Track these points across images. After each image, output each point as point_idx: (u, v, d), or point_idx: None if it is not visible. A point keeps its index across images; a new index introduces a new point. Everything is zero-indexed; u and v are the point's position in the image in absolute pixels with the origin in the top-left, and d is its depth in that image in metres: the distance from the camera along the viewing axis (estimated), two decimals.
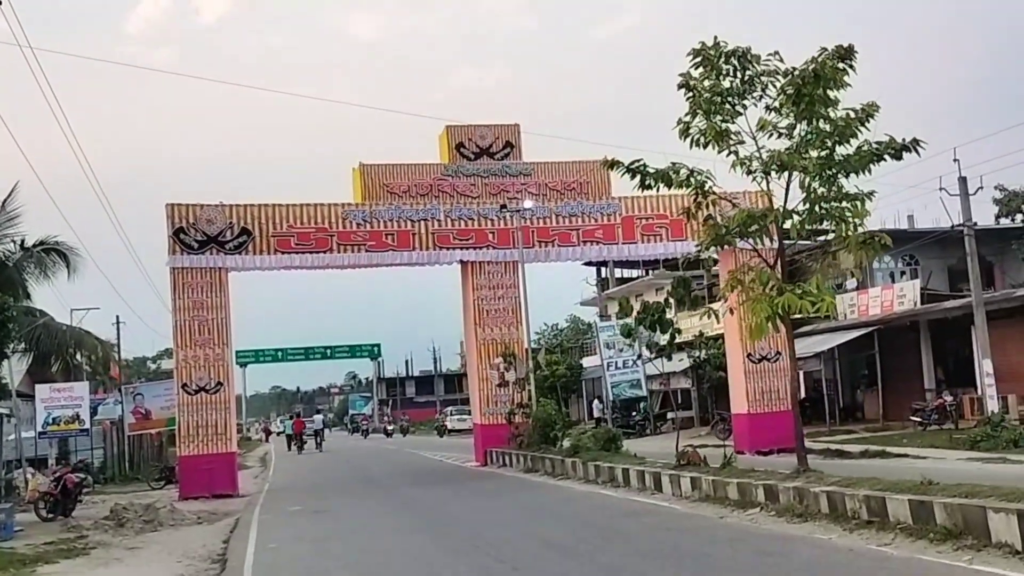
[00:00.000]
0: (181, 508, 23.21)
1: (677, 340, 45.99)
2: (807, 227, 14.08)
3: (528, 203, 30.71)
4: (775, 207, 14.00)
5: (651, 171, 14.59)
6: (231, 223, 28.98)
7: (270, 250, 29.25)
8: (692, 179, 14.42)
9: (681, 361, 47.47)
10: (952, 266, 41.55)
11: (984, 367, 29.59)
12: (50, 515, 23.30)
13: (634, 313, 19.12)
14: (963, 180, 28.66)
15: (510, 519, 16.84)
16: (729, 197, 14.39)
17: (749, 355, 30.73)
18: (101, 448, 41.61)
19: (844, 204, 13.81)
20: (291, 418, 69.48)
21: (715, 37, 14.48)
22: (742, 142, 14.38)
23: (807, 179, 14.02)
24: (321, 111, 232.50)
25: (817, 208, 14.00)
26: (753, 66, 14.48)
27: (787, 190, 14.16)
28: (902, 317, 36.81)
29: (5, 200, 36.20)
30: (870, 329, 37.80)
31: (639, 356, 39.61)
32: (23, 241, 37.03)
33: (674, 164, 14.60)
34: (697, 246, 14.67)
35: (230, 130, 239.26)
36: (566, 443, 27.18)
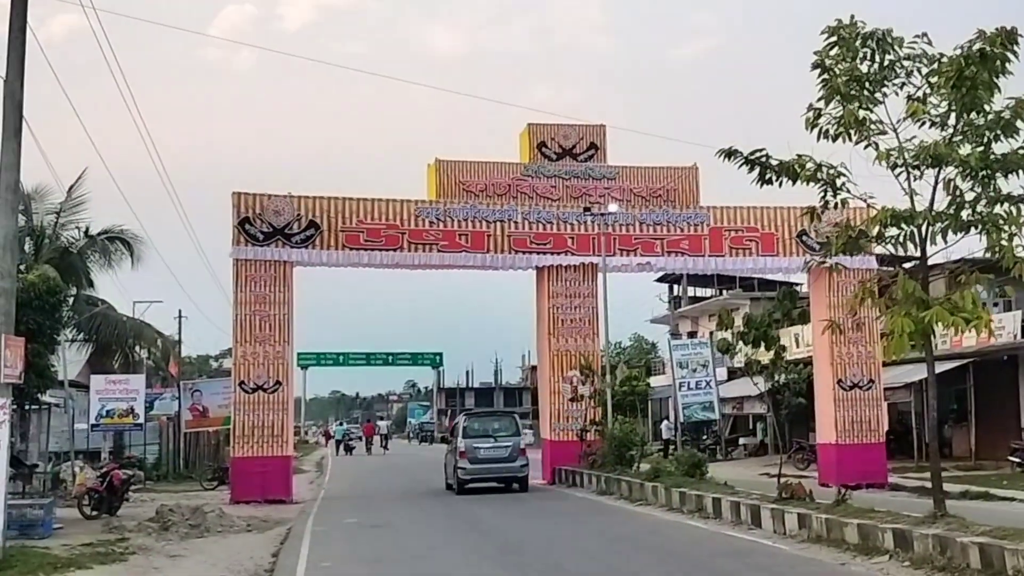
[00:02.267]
0: (231, 513, 21.86)
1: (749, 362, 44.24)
2: (953, 233, 12.21)
3: (613, 207, 29.00)
4: (919, 209, 12.17)
5: (774, 163, 12.80)
6: (299, 215, 27.66)
7: (338, 245, 27.89)
8: (821, 173, 12.60)
9: (756, 385, 45.68)
10: None
11: None
12: (94, 512, 22.28)
13: (734, 327, 17.24)
14: None
15: (592, 549, 15.13)
16: (864, 196, 12.58)
17: (840, 381, 28.82)
18: (156, 444, 40.97)
19: (1000, 208, 11.95)
20: (351, 422, 72.94)
21: (851, 16, 12.71)
22: (883, 132, 12.56)
23: (955, 178, 12.19)
24: (399, 113, 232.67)
25: (964, 213, 12.14)
26: (894, 50, 12.70)
27: (934, 189, 12.31)
28: (1000, 350, 34.45)
29: (72, 186, 35.63)
30: (964, 361, 35.45)
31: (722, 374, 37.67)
32: (87, 229, 36.51)
33: (800, 156, 12.80)
34: (815, 256, 12.74)
35: (304, 130, 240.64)
36: (644, 465, 25.40)
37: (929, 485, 26.04)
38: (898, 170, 12.25)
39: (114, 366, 38.90)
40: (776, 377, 18.32)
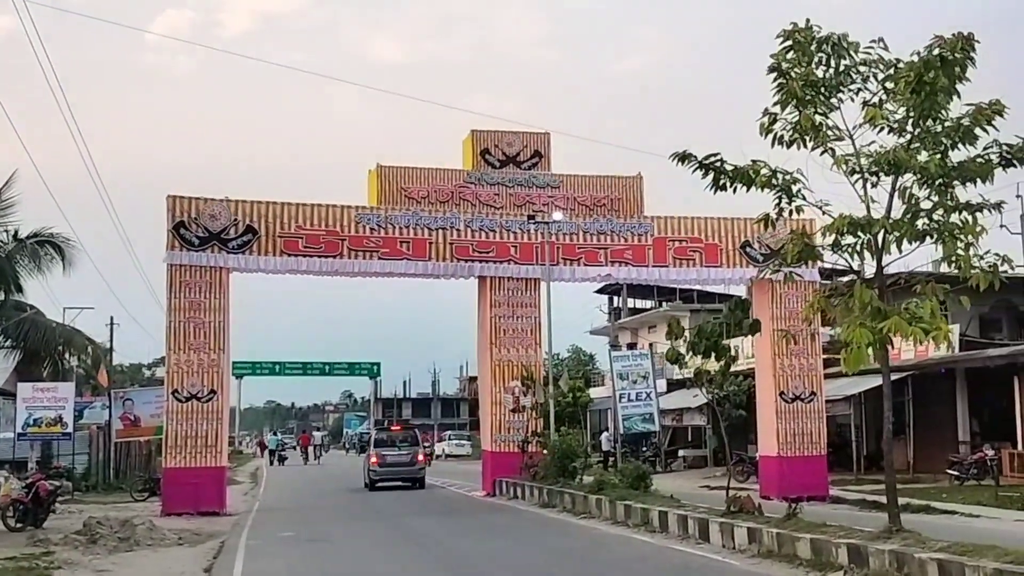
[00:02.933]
0: (162, 525, 21.16)
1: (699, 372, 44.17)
2: (908, 242, 11.97)
3: (557, 215, 28.68)
4: (877, 217, 11.91)
5: (729, 168, 12.50)
6: (235, 220, 27.00)
7: (276, 251, 27.25)
8: (776, 180, 12.32)
9: (696, 397, 45.69)
10: (984, 314, 39.50)
11: None
12: (19, 525, 21.57)
13: (684, 336, 16.94)
14: None
15: (537, 565, 14.72)
16: (819, 204, 12.31)
17: (782, 393, 28.74)
18: (86, 454, 39.82)
19: (957, 217, 11.75)
20: (286, 433, 73.57)
21: (807, 20, 12.47)
22: (840, 138, 12.32)
23: (911, 186, 11.98)
24: (340, 120, 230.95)
25: (920, 222, 11.92)
26: (850, 55, 12.49)
27: (891, 196, 12.08)
28: (939, 363, 34.69)
29: (1, 188, 34.50)
30: (904, 375, 35.63)
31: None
32: (16, 232, 35.36)
33: (755, 162, 12.51)
34: (768, 266, 12.43)
35: (241, 135, 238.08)
36: (587, 478, 25.04)
37: (870, 498, 26.22)
38: (855, 176, 12.03)
39: (43, 374, 37.76)
40: (725, 388, 18.00)
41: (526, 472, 27.60)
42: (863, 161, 11.86)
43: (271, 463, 62.74)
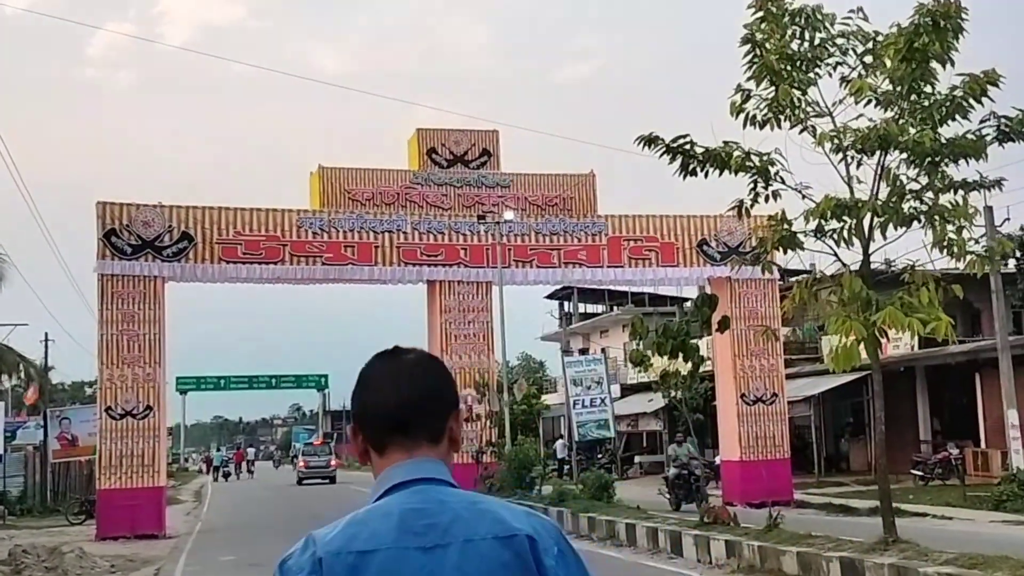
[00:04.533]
0: (95, 551, 19.86)
1: (650, 380, 43.19)
2: (894, 227, 11.01)
3: (508, 214, 27.59)
4: (861, 199, 10.92)
5: (699, 151, 11.46)
6: (170, 226, 25.66)
7: (213, 259, 25.95)
8: (751, 162, 11.29)
9: (651, 401, 44.87)
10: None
11: (1010, 418, 26.86)
12: None
13: (647, 336, 15.92)
14: (989, 210, 25.83)
15: None
16: (799, 186, 11.31)
17: (743, 396, 27.91)
18: (22, 476, 38.24)
19: (946, 198, 10.80)
20: (235, 449, 75.40)
21: None
22: (820, 115, 11.33)
23: (898, 165, 11.02)
24: (282, 128, 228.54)
25: (907, 204, 10.95)
26: (825, 28, 11.53)
27: (878, 176, 11.08)
28: (898, 362, 34.07)
29: None
30: (863, 374, 34.96)
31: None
32: None
33: (728, 143, 11.48)
34: (749, 254, 11.35)
35: (180, 147, 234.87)
36: (546, 488, 23.97)
37: (836, 502, 25.48)
38: (839, 156, 11.07)
39: None
40: (693, 390, 17.01)
41: (481, 484, 26.45)
42: (849, 138, 10.90)
43: (215, 479, 61.57)
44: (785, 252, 11.40)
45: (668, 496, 24.71)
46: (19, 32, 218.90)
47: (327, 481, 51.76)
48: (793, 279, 37.91)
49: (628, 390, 48.96)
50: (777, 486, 26.63)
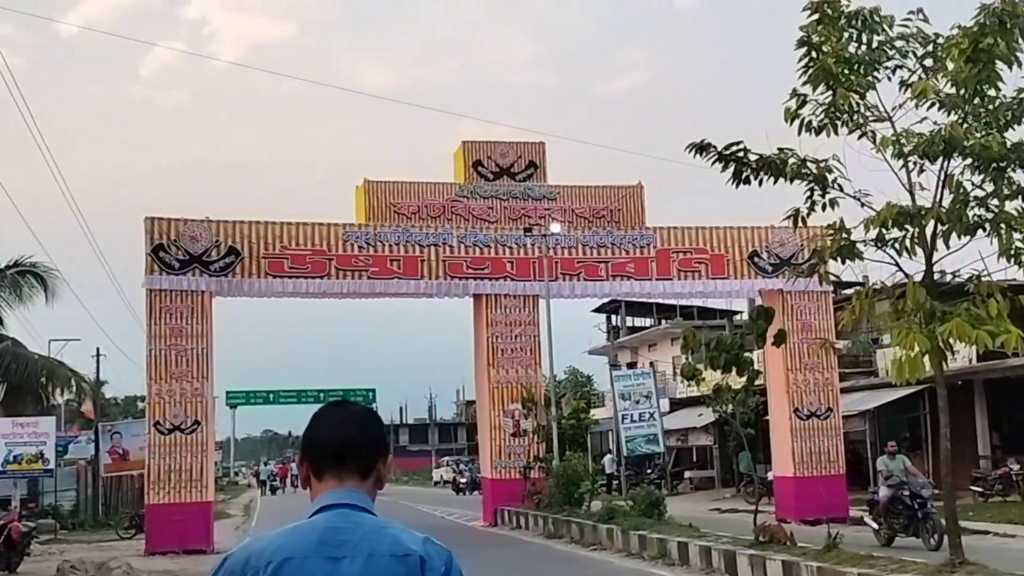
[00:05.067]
0: (143, 567, 19.77)
1: (699, 394, 42.62)
2: (958, 236, 10.58)
3: (555, 227, 27.28)
4: (924, 207, 10.51)
5: (753, 158, 11.11)
6: (217, 241, 25.66)
7: (260, 273, 25.91)
8: (808, 168, 10.92)
9: (701, 416, 44.32)
10: None
11: None
12: None
13: (700, 349, 15.53)
14: None
15: None
16: (858, 194, 10.92)
17: (796, 410, 27.34)
18: (74, 490, 38.46)
19: (1011, 205, 10.36)
20: (282, 462, 75.47)
21: None
22: (880, 119, 10.93)
23: (961, 171, 10.59)
24: (329, 142, 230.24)
25: (971, 212, 10.51)
26: (884, 30, 11.15)
27: (941, 183, 10.65)
28: (956, 375, 33.29)
29: None
30: (920, 388, 34.22)
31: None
32: None
33: (783, 150, 11.12)
34: (804, 264, 10.89)
35: (229, 162, 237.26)
36: (595, 504, 23.55)
37: None
38: (901, 161, 10.67)
39: (28, 409, 36.43)
40: (746, 405, 16.57)
41: (529, 500, 26.15)
42: (912, 142, 10.49)
43: (263, 493, 61.96)
44: (843, 262, 11.00)
45: (876, 526, 19.89)
46: (73, 51, 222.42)
47: None
48: (846, 291, 37.42)
49: (677, 404, 48.45)
50: (832, 502, 26.03)
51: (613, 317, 64.63)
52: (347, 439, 2.67)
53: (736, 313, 52.91)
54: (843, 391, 33.53)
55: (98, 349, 48.28)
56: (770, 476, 34.14)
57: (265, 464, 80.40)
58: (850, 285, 39.63)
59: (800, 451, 27.30)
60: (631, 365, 57.05)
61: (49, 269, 35.40)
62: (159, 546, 23.79)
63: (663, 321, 59.69)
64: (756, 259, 28.02)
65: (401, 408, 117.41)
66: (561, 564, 18.39)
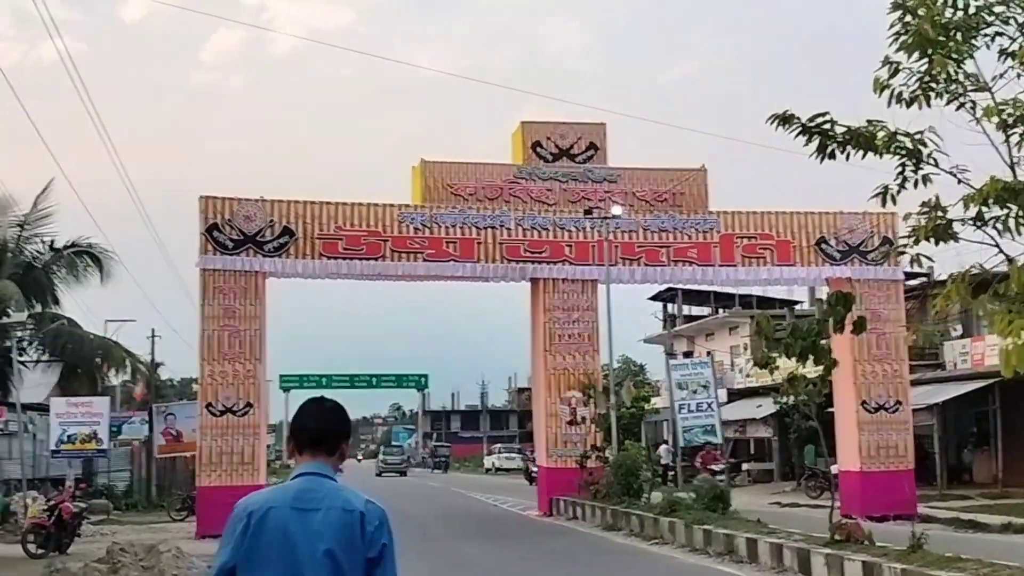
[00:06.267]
0: (193, 550, 19.35)
1: (758, 385, 41.60)
2: None
3: (616, 209, 26.51)
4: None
5: (840, 131, 10.32)
6: (271, 221, 25.26)
7: (314, 254, 25.48)
8: (900, 142, 10.11)
9: (760, 407, 43.42)
10: None
11: None
12: (40, 551, 20.01)
13: (773, 336, 14.75)
14: None
15: None
16: (954, 170, 10.12)
17: (864, 403, 26.42)
18: (128, 470, 38.52)
19: None
20: None
21: None
22: (981, 88, 10.10)
23: None
24: (385, 127, 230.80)
25: None
26: None
27: None
28: None
29: (38, 197, 33.31)
30: (989, 382, 33.11)
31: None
32: (52, 242, 34.25)
33: (871, 122, 10.31)
34: (891, 250, 10.06)
35: (285, 146, 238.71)
36: (655, 496, 22.84)
37: (964, 516, 23.86)
38: (1004, 133, 9.85)
39: (84, 389, 36.46)
40: (820, 395, 15.72)
41: (586, 490, 25.49)
42: (1019, 111, 9.67)
43: None
44: (937, 243, 10.20)
45: None
46: (135, 40, 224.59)
47: (399, 475, 68.30)
48: (909, 282, 36.36)
49: (735, 395, 47.59)
50: (900, 498, 25.20)
51: (669, 305, 63.72)
52: (322, 429, 3.81)
53: (797, 303, 51.86)
54: (912, 383, 32.57)
55: (153, 330, 48.42)
56: (834, 470, 33.29)
57: None
58: (916, 275, 38.75)
59: (867, 445, 26.39)
60: (687, 354, 56.19)
61: (105, 250, 35.42)
62: (210, 529, 23.35)
63: (721, 310, 58.71)
64: (823, 245, 27.10)
65: (453, 395, 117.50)
66: (622, 558, 17.71)
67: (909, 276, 34.99)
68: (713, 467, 24.62)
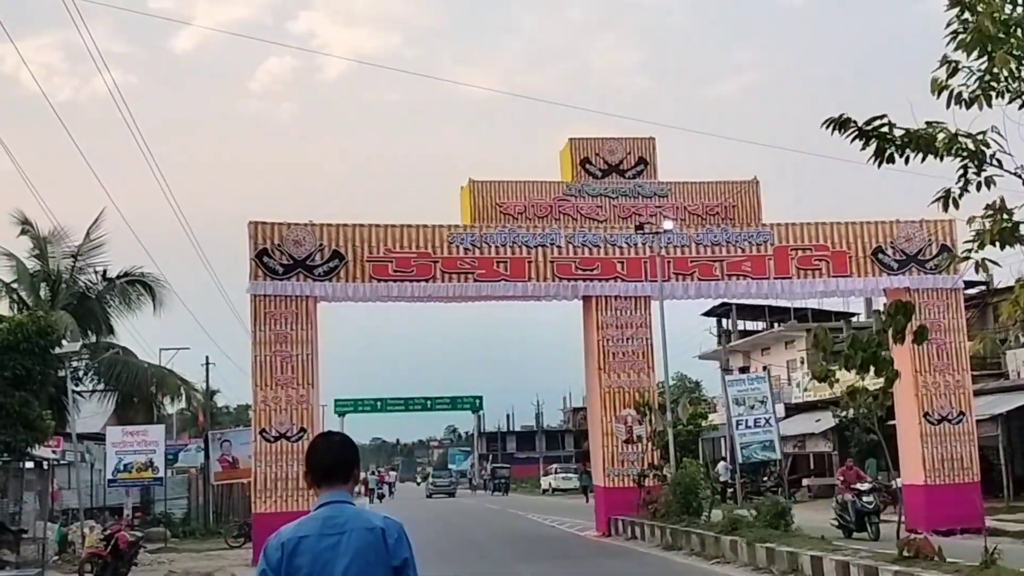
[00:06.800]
0: None
1: (816, 399, 40.91)
2: None
3: (668, 224, 26.17)
4: None
5: (898, 134, 9.99)
6: (321, 245, 25.21)
7: (365, 277, 25.37)
8: (961, 144, 9.75)
9: (819, 421, 42.71)
10: None
11: None
12: None
13: (832, 348, 14.36)
14: None
15: None
16: (1021, 172, 9.73)
17: (926, 415, 25.83)
18: (185, 498, 38.63)
19: None
20: (392, 469, 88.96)
21: None
22: None
23: None
24: (433, 150, 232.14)
25: None
26: None
27: None
28: None
29: (90, 227, 33.69)
30: None
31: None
32: (105, 271, 34.64)
33: (931, 124, 9.96)
34: (955, 256, 9.64)
35: (335, 173, 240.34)
36: (715, 514, 22.40)
37: None
38: None
39: (139, 418, 36.71)
40: (882, 408, 15.25)
41: (644, 509, 25.08)
42: None
43: (371, 501, 62.28)
44: (1003, 247, 9.82)
45: None
46: (185, 67, 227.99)
47: (448, 496, 70.88)
48: (968, 291, 35.58)
49: (793, 410, 46.85)
50: (966, 512, 24.58)
51: (724, 320, 63.10)
52: (334, 461, 4.21)
53: (853, 315, 51.11)
54: (975, 393, 31.83)
55: (207, 357, 48.75)
56: (896, 484, 32.55)
57: (372, 474, 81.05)
58: (974, 285, 37.94)
59: (931, 457, 25.79)
60: (743, 370, 55.58)
61: (157, 279, 35.73)
62: None
63: (776, 324, 57.99)
64: (880, 255, 26.58)
65: (508, 415, 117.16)
66: None
67: (968, 285, 34.31)
68: (859, 487, 23.57)
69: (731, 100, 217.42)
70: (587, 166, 27.52)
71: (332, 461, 4.19)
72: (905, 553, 13.35)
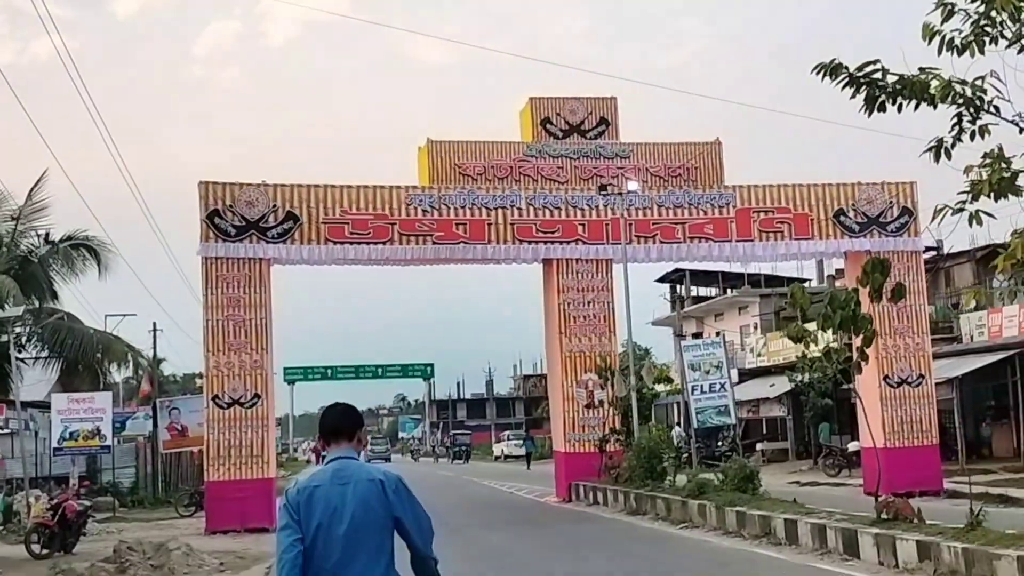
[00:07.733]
0: (203, 547, 18.65)
1: (769, 364, 40.88)
2: None
3: (632, 185, 25.77)
4: None
5: (891, 80, 9.57)
6: (275, 206, 24.49)
7: (320, 239, 24.70)
8: (956, 90, 9.36)
9: (773, 386, 42.75)
10: None
11: None
12: (44, 551, 19.36)
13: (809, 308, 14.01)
14: None
15: None
16: (1020, 119, 9.37)
17: (886, 378, 25.75)
18: (133, 467, 37.88)
19: None
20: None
21: None
22: None
23: None
24: (388, 112, 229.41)
25: None
26: None
27: None
28: None
29: (32, 189, 32.55)
30: (1008, 354, 32.46)
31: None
32: (48, 235, 33.46)
33: (924, 70, 9.56)
34: (947, 207, 9.27)
35: (283, 134, 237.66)
36: (680, 478, 22.14)
37: (993, 491, 23.20)
38: None
39: (84, 385, 35.74)
40: (860, 368, 14.95)
41: (606, 474, 24.82)
42: None
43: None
44: (998, 199, 9.47)
45: None
46: (130, 33, 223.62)
47: (384, 461, 73.77)
48: (925, 255, 35.61)
49: (746, 375, 46.93)
50: (924, 474, 24.56)
51: (677, 287, 63.08)
52: (339, 424, 5.06)
53: (805, 280, 51.23)
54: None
55: (155, 324, 47.70)
56: (851, 447, 32.62)
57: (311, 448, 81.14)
58: (926, 250, 38.00)
59: (890, 420, 25.73)
60: (697, 335, 55.58)
61: (103, 243, 34.65)
62: (220, 524, 22.78)
63: (729, 290, 58.06)
64: (842, 218, 26.40)
65: (458, 383, 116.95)
66: (653, 543, 16.92)
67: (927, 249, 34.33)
68: None
69: (682, 67, 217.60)
70: (548, 126, 27.04)
71: (337, 424, 5.04)
72: (884, 516, 13.10)
